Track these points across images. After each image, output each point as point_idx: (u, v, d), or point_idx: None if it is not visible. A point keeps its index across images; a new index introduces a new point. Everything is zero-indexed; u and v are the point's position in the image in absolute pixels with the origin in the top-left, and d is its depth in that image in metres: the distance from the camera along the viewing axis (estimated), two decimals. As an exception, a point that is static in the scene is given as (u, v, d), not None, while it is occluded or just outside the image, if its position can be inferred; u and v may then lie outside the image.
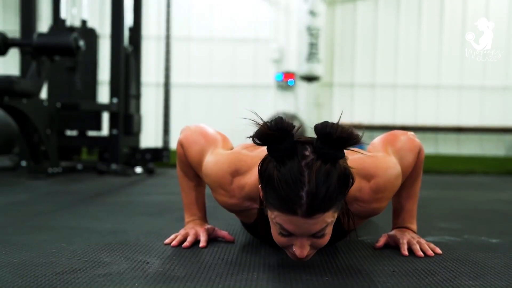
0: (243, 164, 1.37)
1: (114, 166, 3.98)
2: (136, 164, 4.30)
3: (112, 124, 4.16)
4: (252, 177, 1.34)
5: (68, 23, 4.48)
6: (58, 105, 3.73)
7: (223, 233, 1.58)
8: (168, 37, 5.26)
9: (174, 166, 4.76)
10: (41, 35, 3.47)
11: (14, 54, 4.20)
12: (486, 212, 2.41)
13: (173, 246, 1.47)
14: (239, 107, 8.76)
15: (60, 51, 3.48)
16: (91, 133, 4.48)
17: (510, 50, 9.44)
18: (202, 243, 1.48)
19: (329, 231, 1.18)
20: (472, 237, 1.71)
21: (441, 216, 2.20)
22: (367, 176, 1.32)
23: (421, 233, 1.60)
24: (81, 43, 3.53)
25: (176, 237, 1.52)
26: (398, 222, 1.55)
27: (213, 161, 1.41)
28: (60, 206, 2.28)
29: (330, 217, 1.14)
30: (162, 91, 5.15)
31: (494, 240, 1.66)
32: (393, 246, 1.50)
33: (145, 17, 5.98)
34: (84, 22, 4.48)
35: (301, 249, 1.17)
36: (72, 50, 3.42)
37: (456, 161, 6.80)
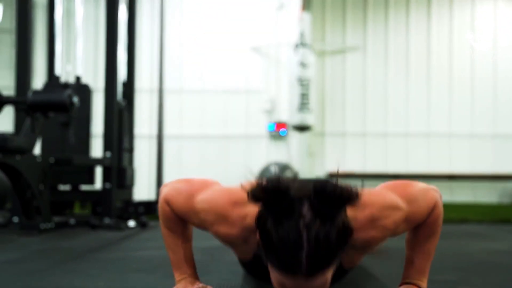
0: (243, 195, 1.26)
1: (107, 220, 3.95)
2: (129, 218, 4.28)
3: (105, 178, 4.16)
4: (253, 208, 1.27)
5: (63, 79, 4.55)
6: (51, 160, 3.74)
7: None
8: (160, 90, 5.34)
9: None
10: (35, 92, 3.52)
11: (8, 111, 4.24)
12: (480, 263, 2.40)
13: None
14: (232, 158, 8.79)
15: (55, 108, 3.51)
16: (84, 187, 4.47)
17: (497, 98, 9.61)
18: None
19: (328, 281, 1.19)
20: (467, 290, 1.71)
21: (436, 268, 2.20)
22: (361, 206, 1.26)
23: (415, 287, 1.59)
24: (75, 99, 3.58)
25: None
26: (406, 276, 1.51)
27: (210, 195, 1.41)
28: (52, 264, 2.26)
29: (330, 272, 1.16)
30: (155, 143, 5.19)
31: (488, 293, 1.65)
32: None
33: (138, 70, 6.08)
34: (78, 78, 4.54)
35: None
36: (66, 107, 3.46)
37: (449, 209, 6.80)
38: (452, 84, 9.70)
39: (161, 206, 1.53)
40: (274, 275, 1.18)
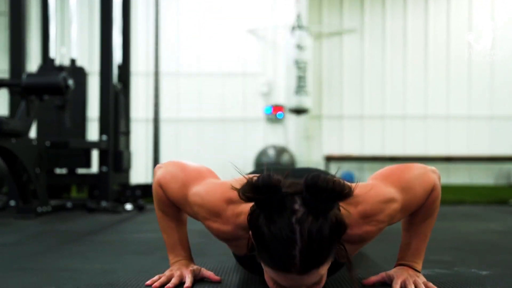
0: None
1: (104, 204, 3.95)
2: (126, 201, 4.28)
3: (102, 161, 4.16)
4: (247, 206, 1.23)
5: (57, 62, 4.51)
6: (47, 143, 3.73)
7: (209, 273, 1.54)
8: (157, 73, 5.31)
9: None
10: (30, 75, 3.50)
11: (3, 94, 4.22)
12: (476, 242, 2.42)
13: None
14: (230, 141, 8.78)
15: (49, 91, 3.50)
16: (81, 171, 4.46)
17: (494, 80, 9.59)
18: (187, 284, 1.43)
19: (324, 277, 1.18)
20: (462, 269, 1.72)
21: (432, 248, 2.20)
22: (354, 203, 1.26)
23: (411, 267, 1.59)
24: (70, 82, 3.55)
25: (159, 278, 1.48)
26: (401, 257, 1.50)
27: (204, 190, 1.37)
28: (49, 247, 2.26)
29: (325, 268, 1.14)
30: (152, 127, 5.17)
31: (484, 272, 1.66)
32: (389, 284, 1.45)
33: (134, 53, 6.04)
34: (73, 61, 4.51)
35: None
36: (61, 89, 3.44)
37: (446, 190, 6.82)
38: (450, 67, 9.67)
39: (155, 188, 1.49)
40: (267, 272, 1.16)
